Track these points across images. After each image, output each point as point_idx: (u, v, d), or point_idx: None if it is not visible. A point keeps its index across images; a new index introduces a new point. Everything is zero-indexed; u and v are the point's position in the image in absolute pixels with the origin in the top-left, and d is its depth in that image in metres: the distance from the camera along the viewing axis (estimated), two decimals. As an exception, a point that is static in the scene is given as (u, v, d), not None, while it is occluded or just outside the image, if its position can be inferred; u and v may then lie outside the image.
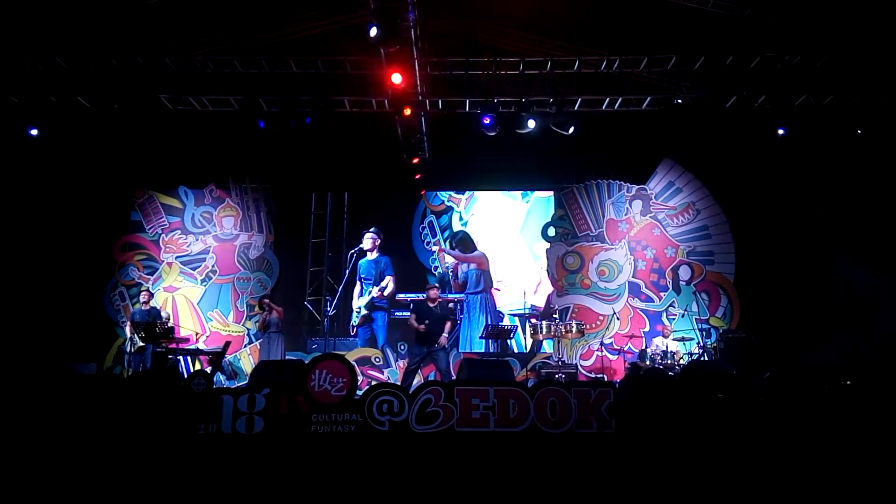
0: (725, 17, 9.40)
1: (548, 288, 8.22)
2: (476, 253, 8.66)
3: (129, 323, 10.72)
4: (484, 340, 9.18)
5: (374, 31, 8.14)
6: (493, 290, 8.23)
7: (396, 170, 12.28)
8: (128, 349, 9.76)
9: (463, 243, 8.71)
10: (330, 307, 8.42)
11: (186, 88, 10.34)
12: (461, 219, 8.73)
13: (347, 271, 8.17)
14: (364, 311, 8.39)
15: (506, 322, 9.56)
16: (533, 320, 8.09)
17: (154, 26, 9.75)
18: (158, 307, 11.32)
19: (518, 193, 9.41)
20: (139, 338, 9.82)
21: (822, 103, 10.13)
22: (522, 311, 7.49)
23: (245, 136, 10.56)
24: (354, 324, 8.42)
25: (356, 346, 9.09)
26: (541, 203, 8.45)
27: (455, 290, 8.88)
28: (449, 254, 8.82)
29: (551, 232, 12.22)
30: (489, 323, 11.36)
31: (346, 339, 8.37)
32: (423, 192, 9.45)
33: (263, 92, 10.40)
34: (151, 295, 10.98)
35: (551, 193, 10.56)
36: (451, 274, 9.09)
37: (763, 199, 11.54)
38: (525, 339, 10.26)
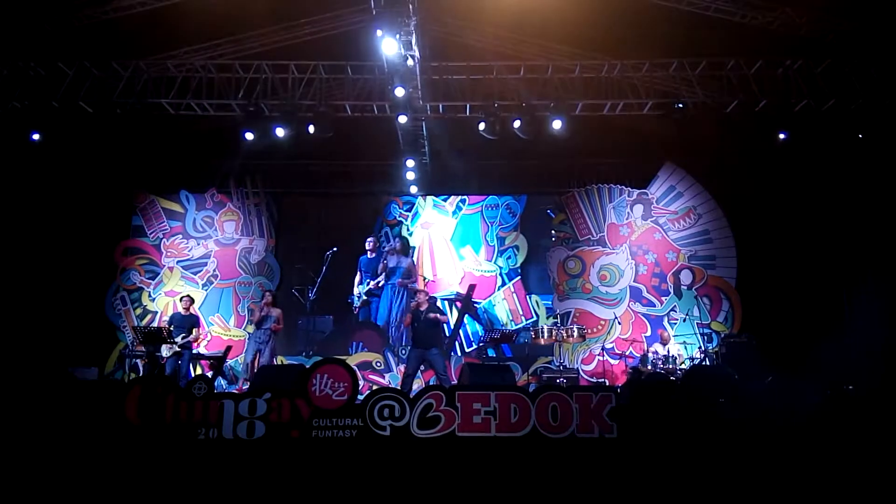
0: (726, 22, 9.41)
1: (468, 280, 10.13)
2: (410, 257, 10.90)
3: (164, 327, 10.11)
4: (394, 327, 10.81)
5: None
6: (431, 282, 10.35)
7: (397, 174, 12.35)
8: (164, 353, 9.71)
9: (405, 244, 10.94)
10: (311, 293, 10.61)
11: (188, 93, 10.35)
12: (408, 230, 10.78)
13: (325, 267, 10.45)
14: (364, 297, 10.39)
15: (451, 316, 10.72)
16: (459, 304, 9.75)
17: (155, 31, 9.77)
18: (197, 315, 10.97)
19: (450, 210, 11.00)
20: (138, 342, 9.82)
21: (823, 108, 10.13)
22: (449, 297, 9.80)
23: (246, 141, 10.56)
24: (357, 305, 10.45)
25: (330, 322, 10.81)
26: (466, 218, 10.61)
27: (380, 272, 10.82)
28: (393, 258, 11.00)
29: (552, 236, 12.28)
30: (489, 329, 11.40)
31: (323, 316, 10.61)
32: (383, 207, 11.20)
33: (265, 96, 10.42)
34: (192, 301, 10.68)
35: (478, 210, 11.25)
36: (385, 259, 10.87)
37: (764, 203, 11.54)
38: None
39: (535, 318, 10.22)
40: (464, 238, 10.35)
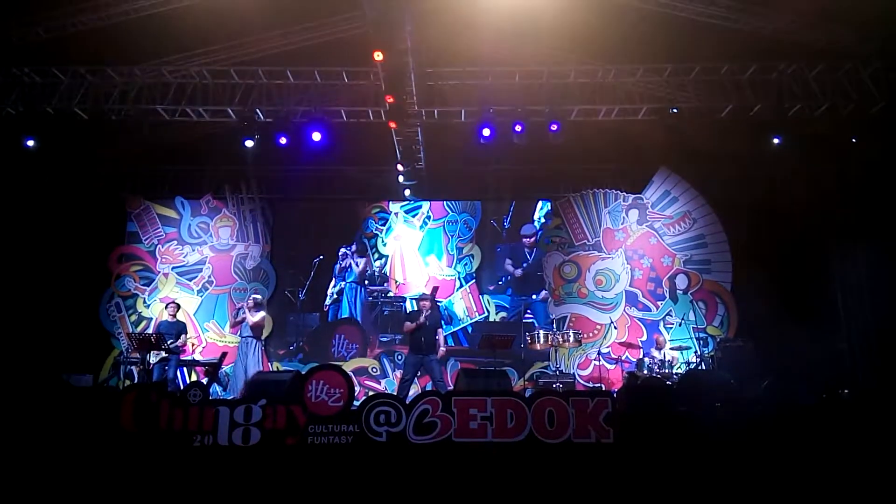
0: (720, 27, 9.45)
1: (432, 282, 11.45)
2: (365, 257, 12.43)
3: (156, 334, 9.87)
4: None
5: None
6: (402, 285, 11.98)
7: (392, 179, 12.39)
8: (151, 360, 9.65)
9: (361, 247, 12.43)
10: (301, 294, 12.02)
11: (183, 99, 10.35)
12: (382, 242, 12.25)
13: (313, 272, 11.94)
14: (335, 296, 12.07)
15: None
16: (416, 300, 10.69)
17: (151, 37, 9.76)
18: (184, 322, 10.83)
19: (417, 224, 12.52)
20: (133, 349, 9.78)
21: (816, 112, 10.17)
22: (416, 297, 10.85)
23: (242, 147, 10.54)
24: (327, 304, 12.04)
25: (316, 318, 12.15)
26: (431, 231, 12.23)
27: (338, 273, 12.40)
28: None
29: (547, 241, 12.38)
30: (486, 333, 11.40)
31: (311, 314, 11.98)
32: (362, 220, 12.60)
33: (260, 102, 10.42)
34: (178, 307, 10.66)
35: (440, 225, 12.63)
36: (341, 261, 12.43)
37: (758, 207, 11.57)
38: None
39: (486, 314, 11.71)
40: (429, 248, 11.97)
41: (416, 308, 9.39)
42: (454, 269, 11.85)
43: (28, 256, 11.45)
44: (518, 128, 10.20)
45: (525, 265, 11.76)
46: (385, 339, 11.44)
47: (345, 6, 9.80)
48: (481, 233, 11.84)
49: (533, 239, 12.00)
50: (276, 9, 9.50)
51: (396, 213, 12.20)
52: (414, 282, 11.89)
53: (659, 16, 9.35)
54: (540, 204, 12.48)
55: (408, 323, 9.18)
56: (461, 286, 11.71)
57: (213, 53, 10.44)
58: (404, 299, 11.75)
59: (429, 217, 12.07)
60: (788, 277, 11.21)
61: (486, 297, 11.61)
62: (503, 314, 11.48)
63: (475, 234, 11.97)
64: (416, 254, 12.13)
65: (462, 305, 11.83)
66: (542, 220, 12.36)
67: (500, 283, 11.79)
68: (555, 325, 11.84)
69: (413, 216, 12.11)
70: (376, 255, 12.21)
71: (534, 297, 11.77)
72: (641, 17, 9.39)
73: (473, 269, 11.69)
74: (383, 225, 12.02)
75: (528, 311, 11.95)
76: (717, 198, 12.04)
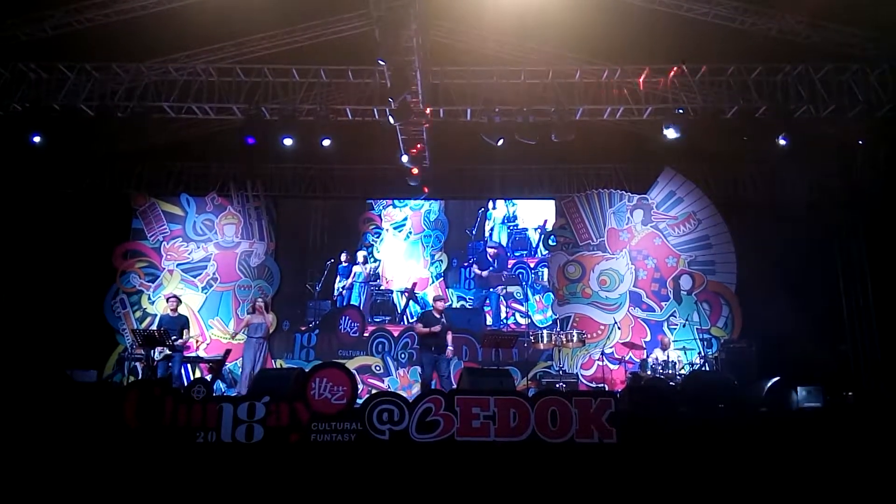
0: (726, 28, 9.43)
1: (413, 278, 13.66)
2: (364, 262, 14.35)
3: (161, 330, 9.74)
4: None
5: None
6: (390, 281, 13.97)
7: (397, 178, 12.44)
8: (155, 356, 9.64)
9: (363, 256, 14.33)
10: (318, 286, 13.42)
11: (189, 97, 10.36)
12: (377, 249, 13.90)
13: (326, 271, 13.50)
14: (341, 291, 13.82)
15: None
16: (407, 294, 13.55)
17: (157, 35, 9.78)
18: (186, 315, 10.86)
19: (402, 237, 14.04)
20: (138, 345, 9.81)
21: (822, 114, 10.14)
22: (401, 290, 13.49)
23: (247, 145, 10.55)
24: (336, 294, 13.72)
25: (328, 305, 13.54)
26: (412, 242, 13.98)
27: (344, 273, 14.18)
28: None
29: (552, 241, 12.39)
30: (489, 330, 11.45)
31: (325, 301, 13.55)
32: (362, 233, 14.20)
33: (266, 100, 10.43)
34: (180, 301, 10.61)
35: (419, 238, 13.93)
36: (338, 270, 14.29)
37: (764, 209, 11.54)
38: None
39: (450, 303, 13.37)
40: (410, 254, 13.82)
41: (431, 311, 9.73)
42: (428, 269, 13.68)
43: (33, 252, 11.50)
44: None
45: (490, 269, 13.62)
46: (377, 320, 13.45)
47: (351, 5, 9.80)
48: (448, 244, 13.86)
49: (494, 251, 13.89)
50: (281, 7, 9.51)
51: (387, 229, 14.03)
52: (399, 279, 13.67)
53: (665, 16, 9.32)
54: (489, 223, 13.87)
55: (419, 326, 9.44)
56: (433, 282, 13.73)
57: (218, 51, 10.46)
58: (392, 291, 13.78)
59: (410, 232, 14.05)
60: (793, 279, 11.18)
61: (450, 290, 13.61)
62: (463, 303, 13.70)
63: (444, 245, 13.85)
64: (401, 258, 13.87)
65: (433, 296, 13.62)
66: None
67: (465, 266, 14.35)
68: (559, 325, 11.85)
69: (399, 231, 14.14)
70: (372, 259, 13.78)
71: (491, 290, 13.65)
72: (647, 17, 9.37)
73: (442, 270, 13.62)
74: (377, 237, 13.97)
75: (486, 301, 13.76)
76: (722, 199, 12.00)
